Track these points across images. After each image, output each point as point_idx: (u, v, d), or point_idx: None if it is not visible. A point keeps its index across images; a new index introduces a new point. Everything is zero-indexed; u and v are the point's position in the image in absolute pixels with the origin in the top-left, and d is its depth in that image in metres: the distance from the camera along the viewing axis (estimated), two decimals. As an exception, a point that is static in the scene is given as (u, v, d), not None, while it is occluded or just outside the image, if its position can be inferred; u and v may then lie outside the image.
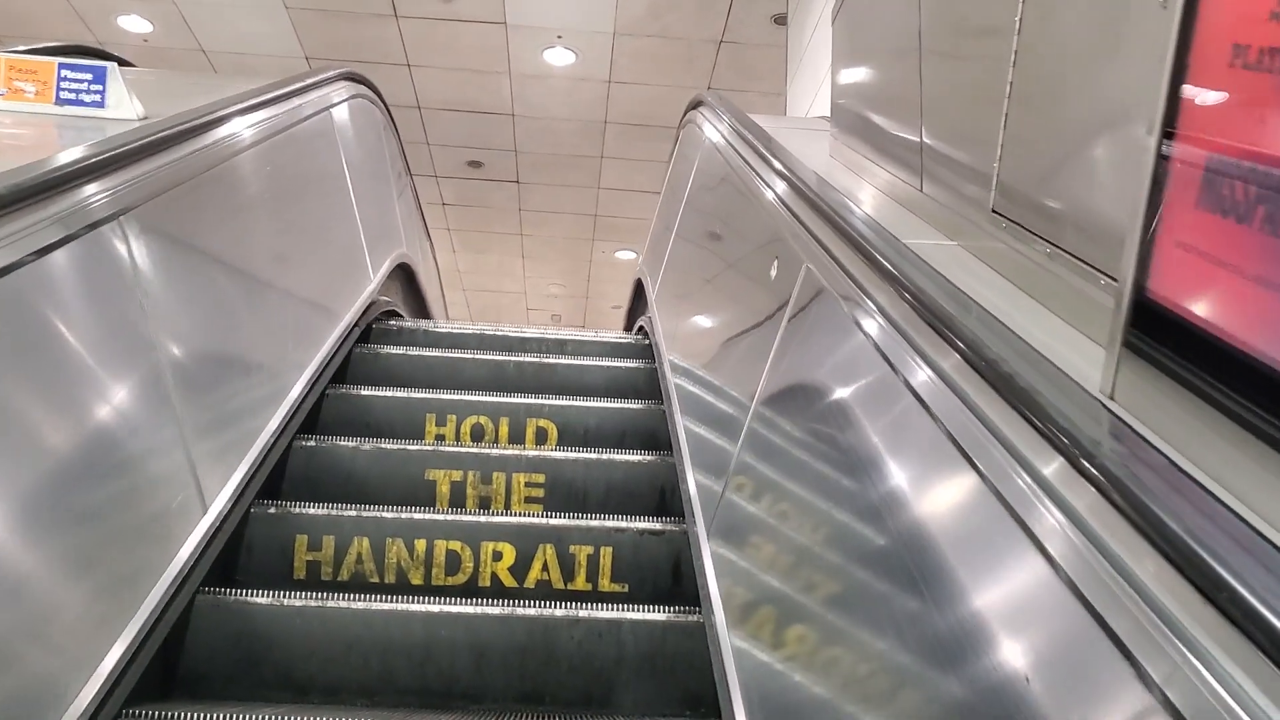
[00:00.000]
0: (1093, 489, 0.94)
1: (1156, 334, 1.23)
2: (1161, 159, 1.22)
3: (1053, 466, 1.03)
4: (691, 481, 2.45)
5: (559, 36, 7.21)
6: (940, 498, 1.23)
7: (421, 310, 5.74)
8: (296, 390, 2.73)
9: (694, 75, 7.55)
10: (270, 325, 2.77)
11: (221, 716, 1.74)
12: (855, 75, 3.34)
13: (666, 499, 2.72)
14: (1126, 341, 1.29)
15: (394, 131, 5.43)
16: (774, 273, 2.38)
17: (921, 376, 1.28)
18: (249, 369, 2.50)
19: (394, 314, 4.72)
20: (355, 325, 3.62)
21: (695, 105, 4.48)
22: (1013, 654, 0.97)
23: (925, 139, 2.45)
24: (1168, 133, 1.22)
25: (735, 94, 7.62)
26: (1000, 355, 1.22)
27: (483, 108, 8.25)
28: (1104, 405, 1.24)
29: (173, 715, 1.69)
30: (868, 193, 2.74)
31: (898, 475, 1.34)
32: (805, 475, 1.76)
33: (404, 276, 5.26)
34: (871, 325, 1.57)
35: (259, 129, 3.00)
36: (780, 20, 6.63)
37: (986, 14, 2.11)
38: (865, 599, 1.34)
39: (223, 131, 2.74)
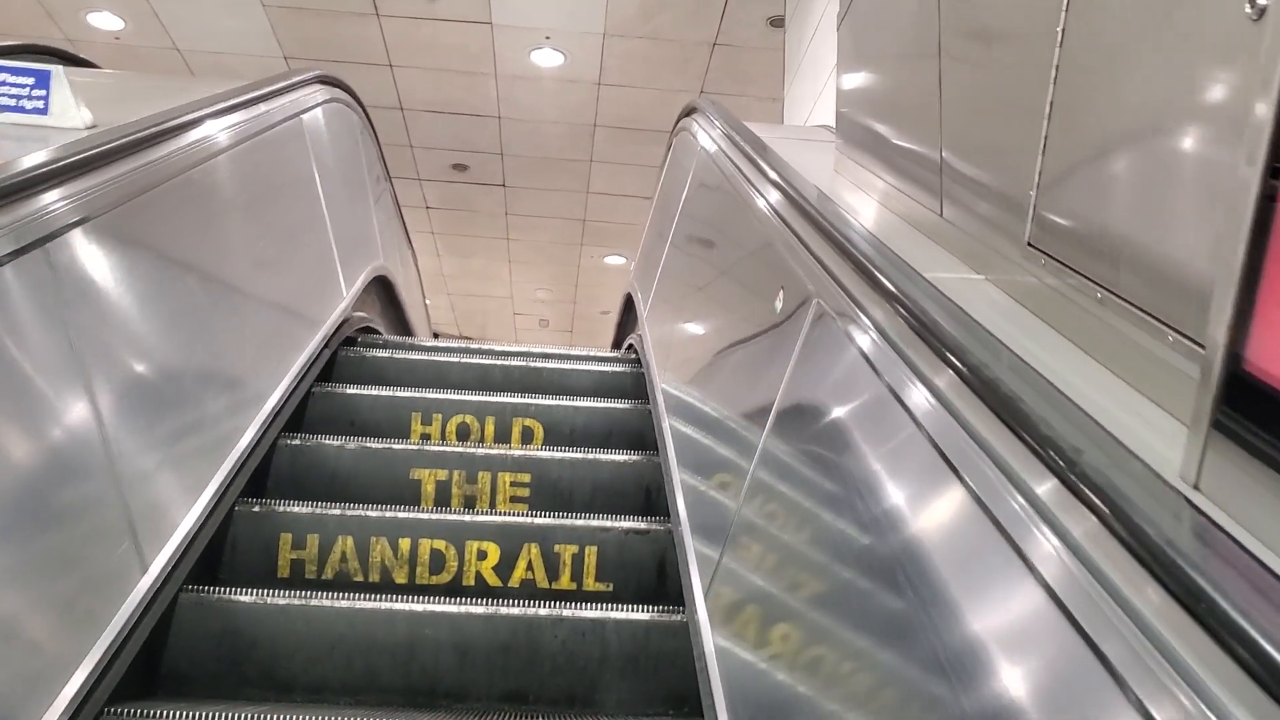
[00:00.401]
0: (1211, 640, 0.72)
1: (1255, 413, 1.02)
2: (1267, 200, 1.00)
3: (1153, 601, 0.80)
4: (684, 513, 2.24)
5: (547, 37, 6.98)
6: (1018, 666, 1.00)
7: (401, 324, 5.50)
8: (245, 440, 2.48)
9: (686, 78, 7.33)
10: (222, 362, 2.53)
11: (204, 715, 1.73)
12: (863, 83, 3.12)
13: (652, 498, 2.73)
14: (1216, 421, 1.07)
15: (372, 136, 5.19)
16: (779, 304, 2.16)
17: (982, 473, 1.06)
18: (186, 422, 2.23)
19: (371, 330, 4.48)
20: (325, 347, 3.38)
21: (689, 112, 4.25)
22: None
23: (945, 156, 2.23)
24: (1276, 168, 1.00)
25: (729, 98, 7.39)
26: (1077, 446, 1.00)
27: (468, 109, 8.01)
28: (1187, 498, 1.03)
29: (155, 714, 1.69)
30: (879, 216, 2.51)
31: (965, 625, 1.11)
32: (820, 553, 1.54)
33: (382, 289, 5.02)
34: (916, 397, 1.33)
35: (220, 139, 2.77)
36: (777, 22, 6.40)
37: (1021, 11, 1.88)
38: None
39: (177, 142, 2.51)
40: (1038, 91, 1.72)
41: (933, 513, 1.23)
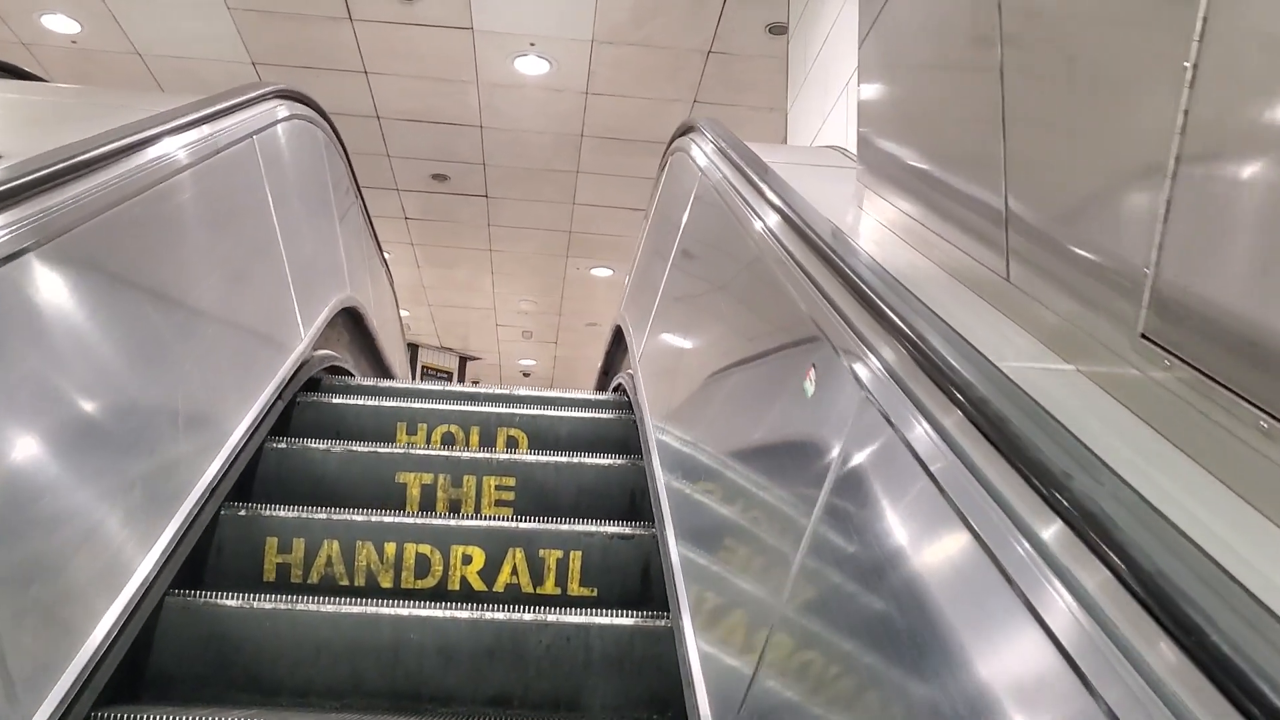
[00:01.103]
0: None
1: None
2: None
3: None
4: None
5: (531, 44, 6.57)
6: None
7: (373, 355, 5.09)
8: (173, 525, 2.09)
9: (679, 86, 6.94)
10: (145, 436, 2.12)
11: (191, 718, 1.76)
12: (894, 104, 2.74)
13: (636, 501, 2.77)
14: None
15: (341, 153, 4.78)
16: (810, 385, 1.78)
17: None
18: (87, 527, 1.83)
19: (339, 370, 4.07)
20: (278, 398, 2.98)
21: (686, 131, 3.86)
22: None
23: (1012, 206, 1.84)
24: None
25: (724, 108, 7.02)
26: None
27: (448, 119, 7.60)
28: None
29: (142, 717, 1.71)
30: (923, 272, 2.12)
31: None
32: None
33: (351, 321, 4.61)
34: (1014, 552, 0.97)
35: (150, 170, 2.37)
36: (778, 30, 6.02)
37: (1131, 32, 1.49)
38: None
39: (95, 178, 2.12)
40: (1160, 110, 1.33)
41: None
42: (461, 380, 13.87)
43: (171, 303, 2.42)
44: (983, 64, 1.93)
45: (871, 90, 2.87)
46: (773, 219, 2.24)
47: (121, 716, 1.69)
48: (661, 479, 2.57)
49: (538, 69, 6.86)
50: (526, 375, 15.02)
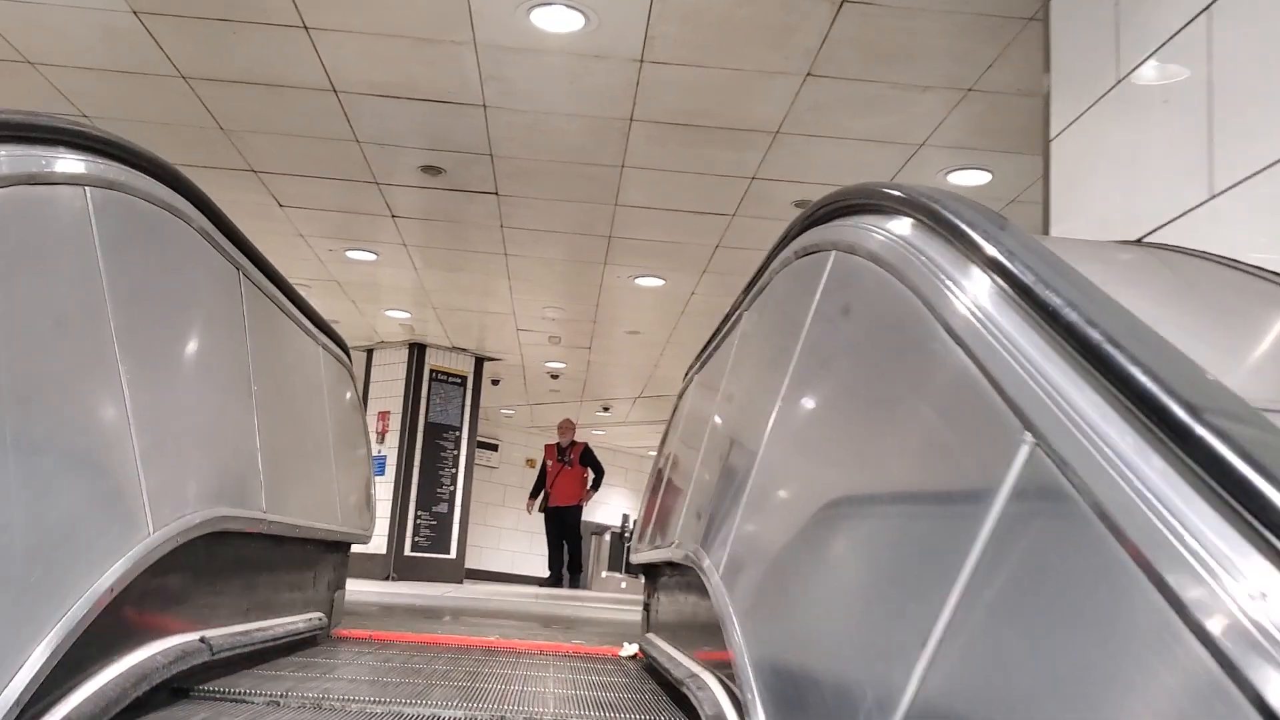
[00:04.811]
0: None
1: None
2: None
3: None
4: None
5: (556, -15, 4.15)
6: None
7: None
8: None
9: (789, 54, 4.50)
10: None
11: None
12: None
13: None
14: None
15: (217, 240, 2.43)
16: None
17: None
18: None
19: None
20: None
21: (852, 208, 1.51)
22: None
23: None
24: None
25: (859, 84, 4.57)
26: None
27: (434, 94, 5.20)
28: None
29: None
30: None
31: None
32: None
33: (226, 548, 2.30)
34: None
35: None
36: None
37: None
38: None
39: None
40: None
41: None
42: (479, 378, 11.58)
43: None
44: None
45: None
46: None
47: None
48: None
49: (566, 24, 4.43)
50: (555, 378, 12.71)
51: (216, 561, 2.55)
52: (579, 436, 12.14)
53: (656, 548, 3.67)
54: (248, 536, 2.75)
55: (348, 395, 4.40)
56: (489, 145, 5.77)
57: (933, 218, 1.32)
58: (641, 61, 4.69)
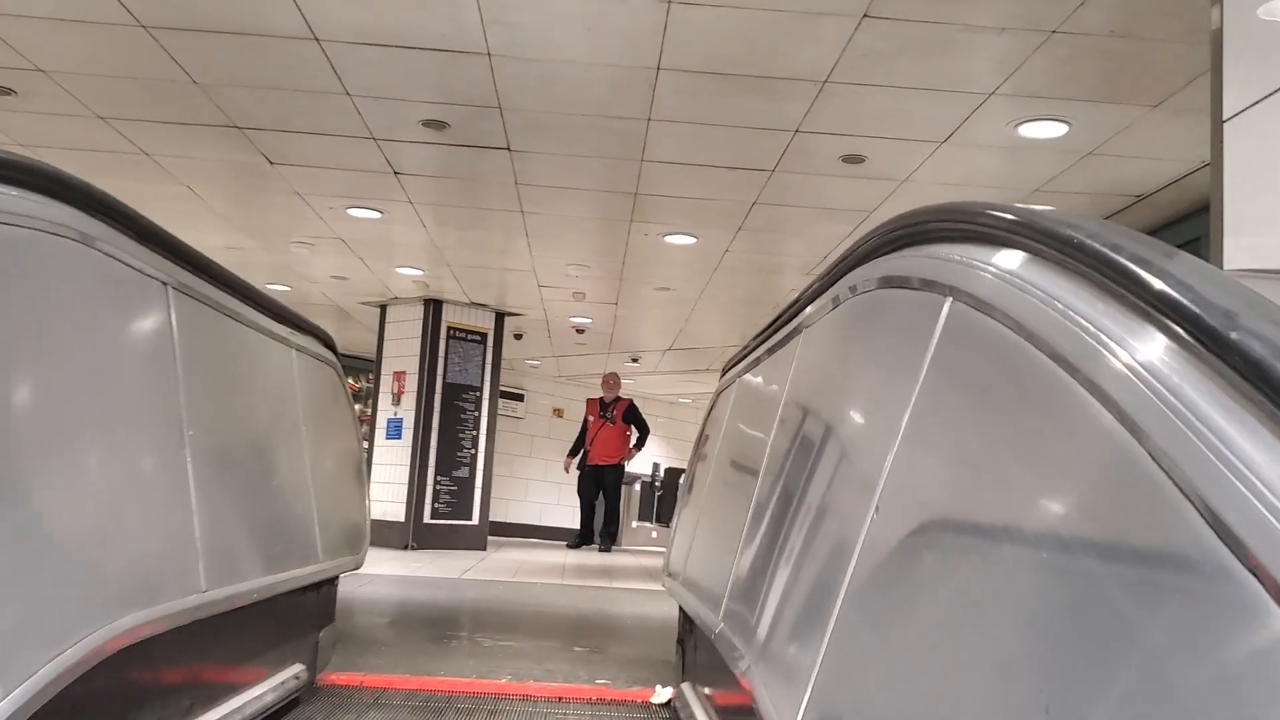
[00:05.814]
0: None
1: None
2: None
3: None
4: None
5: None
6: None
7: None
8: None
9: (839, -10, 3.78)
10: None
11: None
12: None
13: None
14: None
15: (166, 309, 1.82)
16: None
17: None
18: None
19: None
20: None
21: (912, 240, 1.09)
22: None
23: None
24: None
25: (931, 27, 3.83)
26: None
27: (429, 42, 4.53)
28: None
29: None
30: None
31: None
32: None
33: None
34: None
35: None
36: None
37: None
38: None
39: None
40: None
41: None
42: (500, 334, 10.99)
43: None
44: None
45: None
46: None
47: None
48: None
49: (579, -41, 3.73)
50: (581, 332, 12.08)
51: (133, 676, 1.99)
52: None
53: (692, 589, 3.09)
54: (182, 628, 2.19)
55: (332, 399, 3.81)
56: (497, 98, 5.09)
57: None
58: (670, 1, 3.98)
